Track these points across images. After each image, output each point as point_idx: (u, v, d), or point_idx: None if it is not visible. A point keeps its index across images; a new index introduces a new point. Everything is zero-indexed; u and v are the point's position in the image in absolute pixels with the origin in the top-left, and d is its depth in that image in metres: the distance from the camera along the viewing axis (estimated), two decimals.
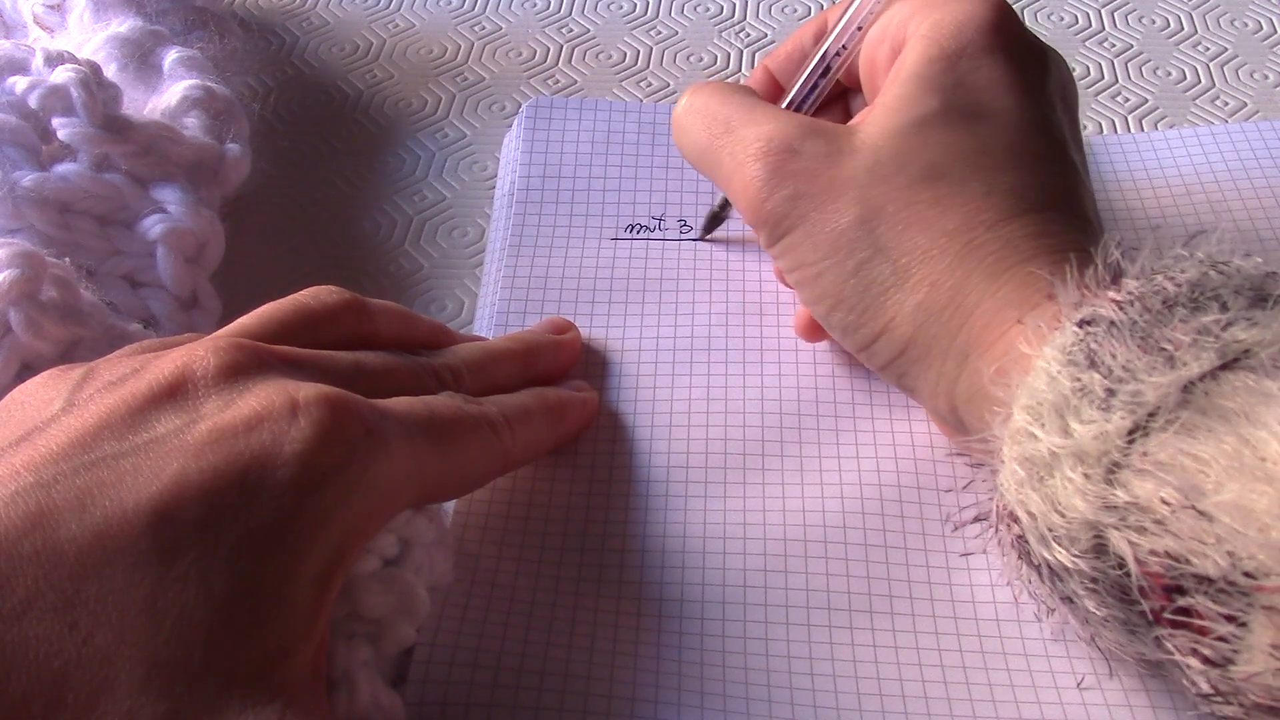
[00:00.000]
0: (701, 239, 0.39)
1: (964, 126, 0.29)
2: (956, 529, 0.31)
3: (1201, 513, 0.21)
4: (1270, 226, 0.39)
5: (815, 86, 0.34)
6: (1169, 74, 0.47)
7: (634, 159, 0.42)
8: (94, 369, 0.25)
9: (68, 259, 0.32)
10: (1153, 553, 0.22)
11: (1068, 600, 0.25)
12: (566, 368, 0.34)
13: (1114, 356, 0.23)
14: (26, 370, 0.30)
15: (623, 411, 0.34)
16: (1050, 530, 0.24)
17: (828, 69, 0.34)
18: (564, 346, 0.34)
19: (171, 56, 0.40)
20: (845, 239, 0.29)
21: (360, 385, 0.25)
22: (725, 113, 0.32)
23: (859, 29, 0.33)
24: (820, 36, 0.35)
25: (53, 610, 0.19)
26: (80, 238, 0.34)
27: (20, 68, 0.36)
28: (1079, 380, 0.24)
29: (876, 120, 0.30)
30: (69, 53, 0.36)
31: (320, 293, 0.29)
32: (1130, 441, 0.23)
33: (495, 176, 0.43)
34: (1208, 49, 0.48)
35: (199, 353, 0.24)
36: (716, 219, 0.39)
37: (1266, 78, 0.47)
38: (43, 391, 0.24)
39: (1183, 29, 0.49)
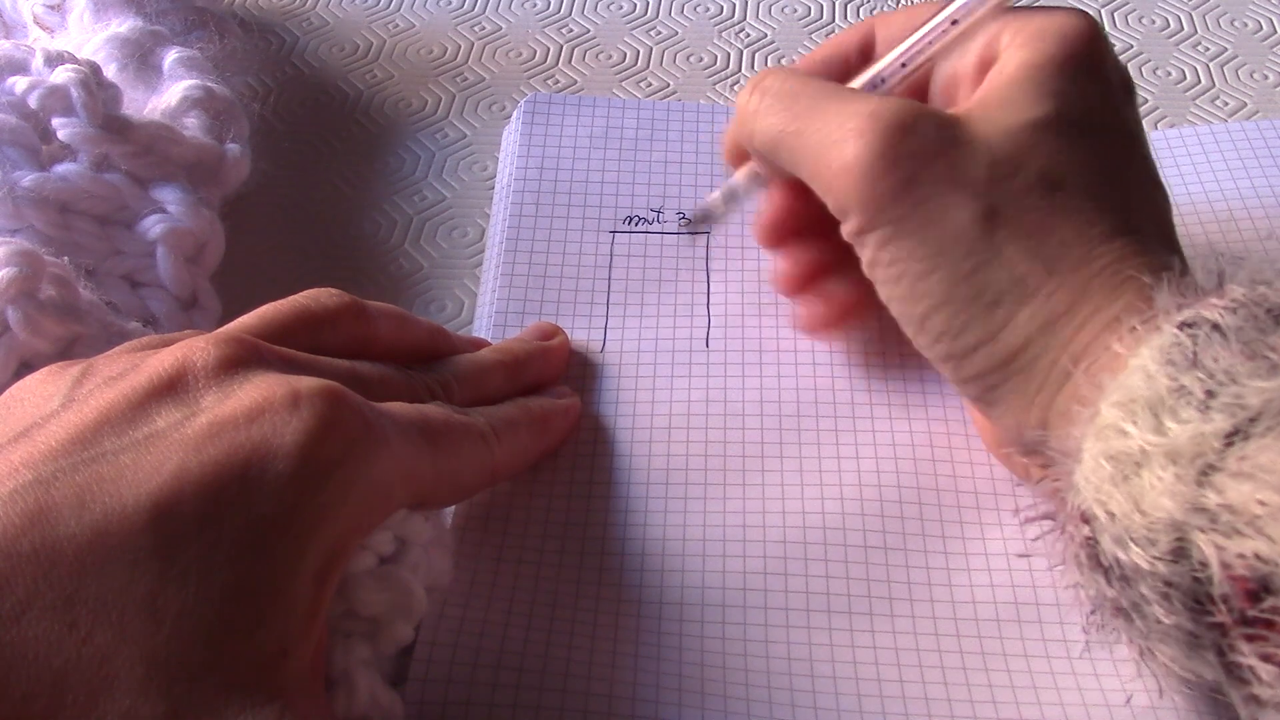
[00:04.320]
0: (686, 229, 0.38)
1: (1078, 136, 0.28)
2: (1026, 523, 0.30)
3: None
4: (1270, 226, 0.39)
5: (882, 80, 0.32)
6: (1169, 74, 0.47)
7: (632, 154, 0.42)
8: (93, 365, 0.25)
9: (67, 258, 0.32)
10: (1240, 555, 0.22)
11: (1131, 608, 0.25)
12: (555, 375, 0.34)
13: (1216, 360, 0.23)
14: (25, 368, 0.30)
15: (622, 412, 0.34)
16: (1129, 530, 0.23)
17: (904, 64, 0.31)
18: (551, 354, 0.34)
19: (171, 57, 0.40)
20: (966, 237, 0.27)
21: (356, 390, 0.25)
22: (811, 91, 0.30)
23: (954, 23, 0.31)
24: (865, 48, 0.34)
25: (52, 609, 0.19)
26: (80, 238, 0.34)
27: (20, 68, 0.36)
28: (1177, 380, 0.23)
29: (988, 117, 0.28)
30: (69, 53, 0.36)
31: (320, 295, 0.29)
32: (1228, 444, 0.22)
33: (495, 176, 0.43)
34: (1208, 49, 0.48)
35: (198, 347, 0.24)
36: (709, 215, 0.37)
37: (1266, 78, 0.47)
38: (41, 388, 0.24)
39: (1183, 29, 0.49)
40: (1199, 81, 0.47)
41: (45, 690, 0.19)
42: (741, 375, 0.35)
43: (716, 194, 0.36)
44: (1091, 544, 0.25)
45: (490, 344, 0.34)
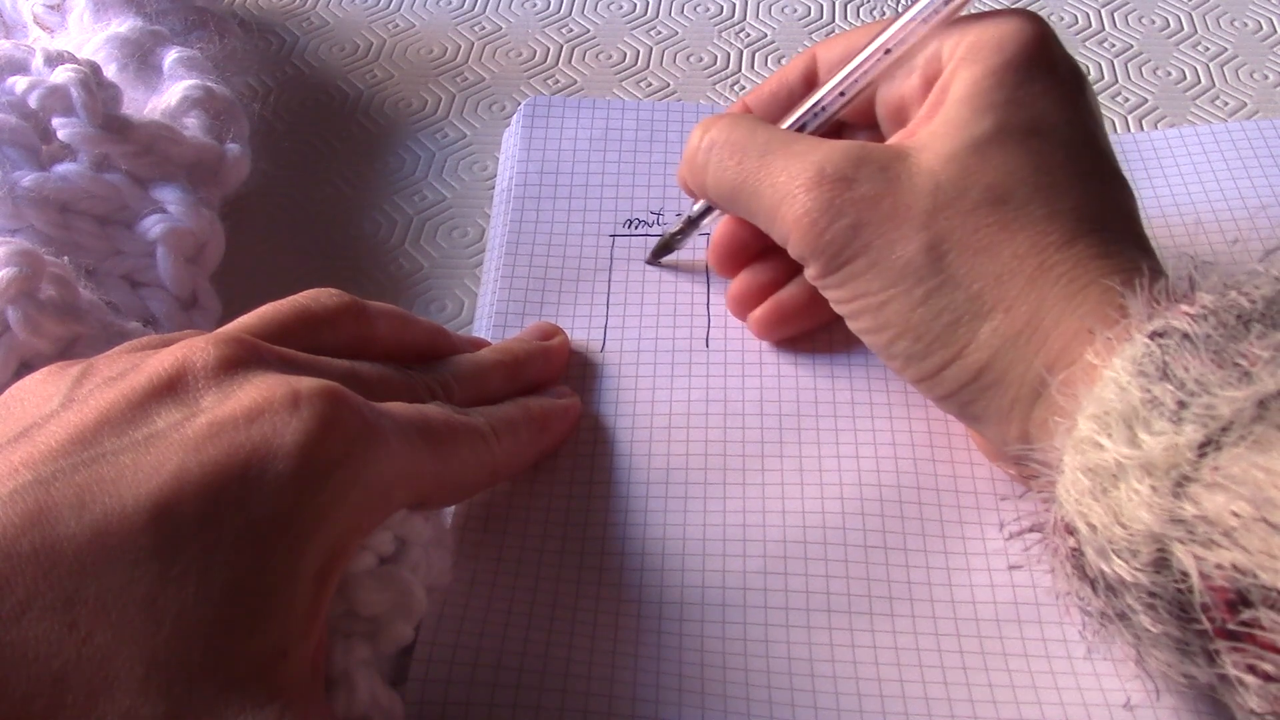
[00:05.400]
0: (649, 263, 0.38)
1: (1020, 146, 0.28)
2: (1012, 537, 0.30)
3: (1273, 525, 0.21)
4: (1270, 226, 0.39)
5: (823, 109, 0.33)
6: (1169, 74, 0.47)
7: (632, 155, 0.42)
8: (93, 365, 0.25)
9: (67, 258, 0.32)
10: (1218, 566, 0.22)
11: (1119, 617, 0.25)
12: (555, 375, 0.34)
13: (1186, 370, 0.23)
14: (25, 368, 0.30)
15: (622, 412, 0.34)
16: (1111, 543, 0.24)
17: (842, 93, 0.32)
18: (552, 354, 0.34)
19: (171, 56, 0.40)
20: (912, 267, 0.28)
21: (356, 390, 0.25)
22: (757, 143, 0.31)
23: (887, 52, 0.31)
24: (808, 76, 0.34)
25: (52, 609, 0.19)
26: (80, 237, 0.34)
27: (20, 68, 0.36)
28: (1149, 391, 0.23)
29: (930, 145, 0.29)
30: (69, 53, 0.36)
31: (320, 295, 0.29)
32: (1201, 455, 0.22)
33: (495, 176, 0.43)
34: (1208, 49, 0.48)
35: (197, 347, 0.24)
36: (667, 246, 0.38)
37: (1266, 78, 0.47)
38: (41, 388, 0.24)
39: (1183, 29, 0.49)
40: (1199, 81, 0.47)
41: (45, 690, 0.19)
42: (741, 375, 0.35)
43: (675, 225, 0.37)
44: (1077, 555, 0.25)
45: (490, 344, 0.34)
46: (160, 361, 0.23)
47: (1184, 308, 0.24)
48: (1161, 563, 0.23)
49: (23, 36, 0.43)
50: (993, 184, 0.28)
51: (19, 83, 0.35)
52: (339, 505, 0.23)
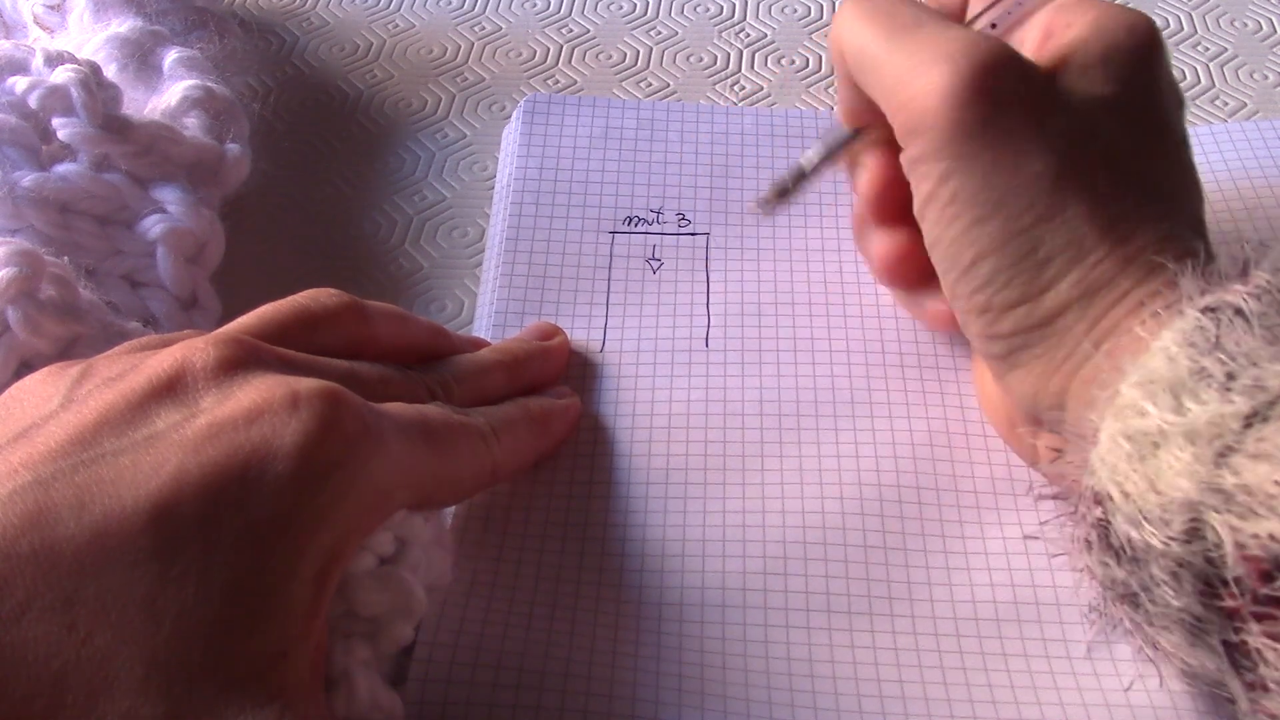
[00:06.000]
0: (764, 213, 0.37)
1: (1135, 123, 0.29)
2: (1039, 499, 0.30)
3: None
4: (1270, 226, 0.39)
5: (1007, 13, 0.31)
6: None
7: (632, 154, 0.42)
8: (92, 365, 0.25)
9: (67, 258, 0.32)
10: (1254, 536, 0.22)
11: (1134, 596, 0.25)
12: (555, 374, 0.34)
13: (1237, 344, 0.23)
14: (25, 368, 0.30)
15: (622, 411, 0.34)
16: (1143, 511, 0.24)
17: (994, 24, 0.31)
18: (551, 353, 0.34)
19: (171, 57, 0.40)
20: (1033, 188, 0.27)
21: (355, 390, 0.25)
22: (911, 12, 0.30)
23: None
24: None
25: (51, 610, 0.19)
26: (80, 238, 0.34)
27: (20, 68, 0.36)
28: (1198, 363, 0.24)
29: (1069, 84, 0.28)
30: (69, 53, 0.36)
31: (319, 295, 0.29)
32: (1247, 426, 0.23)
33: (495, 176, 0.43)
34: (1207, 49, 0.48)
35: (197, 348, 0.24)
36: (785, 191, 0.34)
37: (1266, 78, 0.46)
38: (41, 388, 0.24)
39: (1182, 29, 0.49)
40: (1199, 81, 0.47)
41: (45, 691, 0.19)
42: (741, 375, 0.35)
43: (796, 166, 0.34)
44: (1103, 526, 0.25)
45: (490, 344, 0.34)
46: (159, 362, 0.23)
47: (1238, 286, 0.25)
48: (1193, 532, 0.23)
49: (23, 37, 0.43)
50: (1110, 146, 0.28)
51: (19, 83, 0.35)
52: (338, 506, 0.23)
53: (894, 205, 0.33)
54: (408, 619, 0.26)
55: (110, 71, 0.38)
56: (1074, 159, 0.27)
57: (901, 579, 0.30)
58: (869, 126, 0.33)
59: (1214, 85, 0.46)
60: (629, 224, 0.39)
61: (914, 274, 0.33)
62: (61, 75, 0.35)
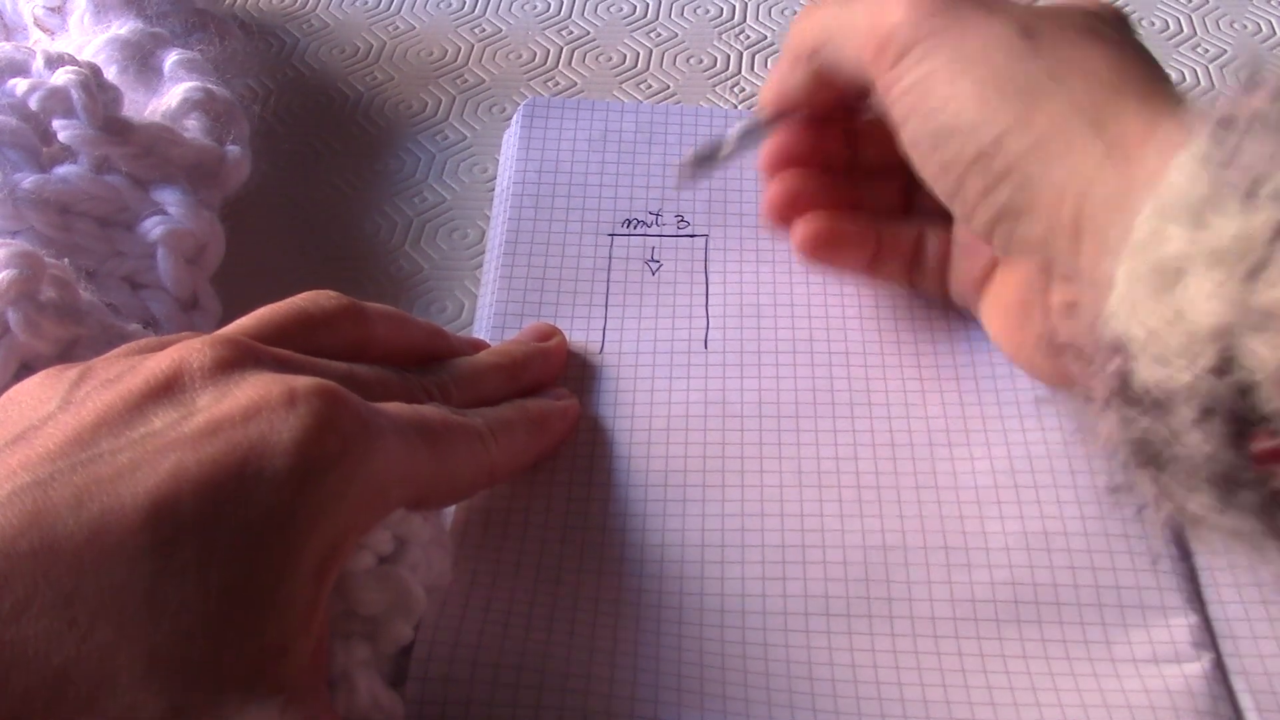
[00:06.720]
0: (681, 181, 0.39)
1: (1111, 28, 0.29)
2: (1040, 402, 0.30)
3: None
4: None
5: None
6: (1169, 76, 0.47)
7: (631, 156, 0.42)
8: (91, 368, 0.25)
9: (67, 260, 0.32)
10: None
11: (1158, 455, 0.23)
12: (554, 376, 0.34)
13: (1259, 149, 0.22)
14: (25, 370, 0.30)
15: (621, 413, 0.34)
16: (1169, 346, 0.22)
17: None
18: (550, 355, 0.34)
19: (172, 59, 0.40)
20: (1004, 41, 0.28)
21: (353, 391, 0.25)
22: None
23: None
24: None
25: (51, 608, 0.19)
26: (81, 239, 0.34)
27: (21, 70, 0.36)
28: (1220, 176, 0.22)
29: None
30: (69, 55, 0.36)
31: (318, 297, 0.29)
32: (1277, 238, 0.21)
33: (495, 178, 0.43)
34: (1207, 51, 0.48)
35: (194, 348, 0.24)
36: (704, 160, 0.36)
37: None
38: (39, 390, 0.24)
39: (1182, 31, 0.49)
40: (1199, 83, 0.47)
41: (46, 687, 0.19)
42: (740, 375, 0.35)
43: (725, 137, 0.36)
44: (1124, 377, 0.24)
45: (490, 345, 0.34)
46: (157, 363, 0.24)
47: (1247, 97, 0.23)
48: (1223, 369, 0.21)
49: (23, 39, 0.43)
50: (1085, 24, 0.29)
51: (19, 85, 0.35)
52: (336, 502, 0.23)
53: (789, 160, 0.36)
54: (407, 618, 0.26)
55: (111, 73, 0.38)
56: (1040, 25, 0.28)
57: (901, 579, 0.30)
58: (792, 111, 0.35)
59: (1214, 87, 0.46)
60: (628, 226, 0.39)
61: (801, 208, 0.35)
62: (62, 77, 0.35)
